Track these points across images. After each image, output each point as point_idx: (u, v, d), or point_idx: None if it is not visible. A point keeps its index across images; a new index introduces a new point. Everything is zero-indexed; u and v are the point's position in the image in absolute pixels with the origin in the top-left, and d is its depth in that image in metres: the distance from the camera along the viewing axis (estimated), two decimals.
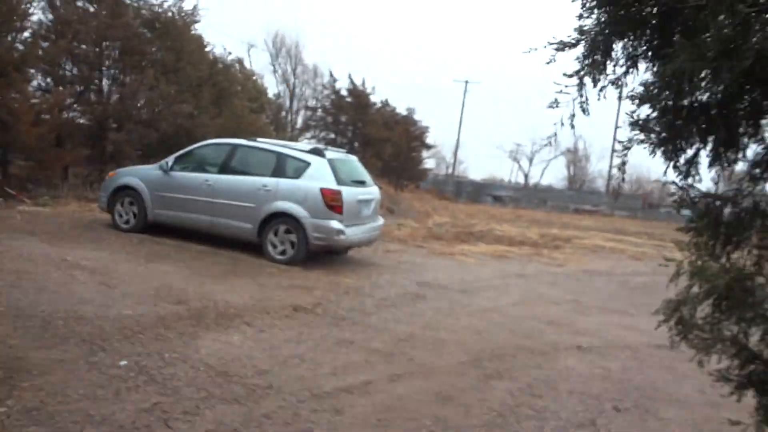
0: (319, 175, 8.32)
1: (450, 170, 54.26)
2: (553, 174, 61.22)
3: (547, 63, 3.15)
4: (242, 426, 3.41)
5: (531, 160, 59.18)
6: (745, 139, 2.52)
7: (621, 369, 5.23)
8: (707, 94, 2.36)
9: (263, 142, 9.28)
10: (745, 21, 2.13)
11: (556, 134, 3.22)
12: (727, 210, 2.59)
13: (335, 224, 8.11)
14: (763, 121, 2.53)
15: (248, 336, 4.97)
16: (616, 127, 43.40)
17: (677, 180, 2.80)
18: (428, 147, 32.76)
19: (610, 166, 48.65)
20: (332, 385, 4.15)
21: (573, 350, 5.68)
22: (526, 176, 59.66)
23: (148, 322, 4.94)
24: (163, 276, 6.54)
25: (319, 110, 30.52)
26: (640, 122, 2.65)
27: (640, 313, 7.60)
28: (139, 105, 14.33)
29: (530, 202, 39.87)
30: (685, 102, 2.48)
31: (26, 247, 7.07)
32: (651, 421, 4.18)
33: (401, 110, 30.19)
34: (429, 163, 39.74)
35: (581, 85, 3.06)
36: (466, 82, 49.06)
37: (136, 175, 9.33)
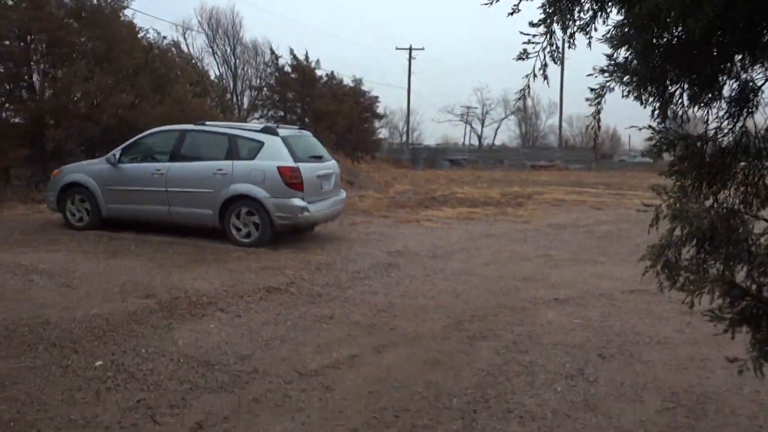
0: (274, 154, 8.11)
1: (404, 138, 54.22)
2: (506, 134, 61.88)
3: (510, 14, 3.04)
4: (232, 413, 3.31)
5: (483, 122, 59.72)
6: (722, 77, 2.49)
7: (600, 317, 5.31)
8: (684, 32, 2.31)
9: (213, 125, 9.01)
10: None
11: (528, 87, 3.14)
12: (708, 150, 2.58)
13: (297, 202, 7.96)
14: (738, 57, 2.51)
15: (224, 322, 4.83)
16: (562, 81, 43.98)
17: (654, 123, 2.77)
18: (379, 117, 32.52)
19: (560, 121, 49.45)
20: (318, 363, 4.08)
21: (551, 303, 5.73)
22: (479, 138, 60.19)
23: (118, 319, 4.75)
24: (126, 271, 6.31)
25: (264, 89, 29.87)
26: (617, 65, 2.59)
27: (610, 261, 7.74)
28: (75, 98, 13.68)
29: (487, 163, 40.26)
30: (662, 41, 2.44)
31: None
32: (636, 364, 4.24)
33: (348, 82, 29.82)
34: (382, 133, 39.63)
35: (550, 33, 2.98)
36: (410, 48, 48.65)
37: (83, 171, 8.96)
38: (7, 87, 13.16)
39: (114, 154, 8.74)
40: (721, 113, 2.62)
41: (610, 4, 2.88)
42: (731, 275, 2.96)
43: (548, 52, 2.88)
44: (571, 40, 2.97)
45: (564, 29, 2.90)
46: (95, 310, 4.94)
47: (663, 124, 2.81)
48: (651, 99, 2.58)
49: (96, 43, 13.87)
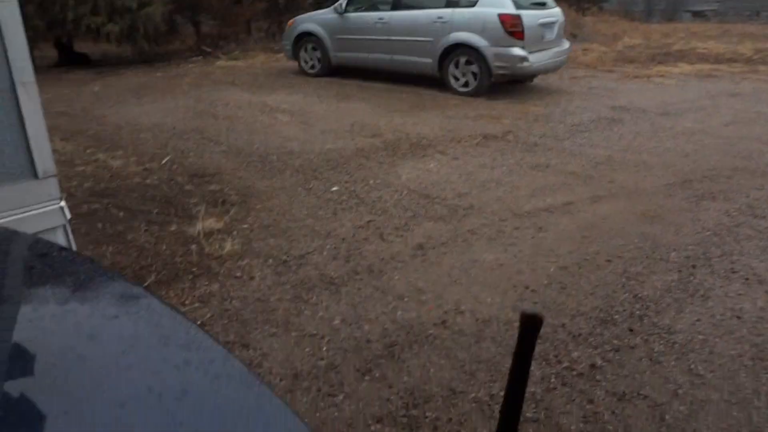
0: (494, 1, 7.79)
1: None
2: None
3: None
4: (450, 240, 3.60)
5: None
6: None
7: None
8: None
9: None
10: None
11: None
12: None
13: (517, 51, 7.68)
14: None
15: (443, 163, 5.08)
16: None
17: None
18: None
19: None
20: (532, 206, 4.17)
21: None
22: None
23: (349, 154, 5.26)
24: (354, 113, 6.82)
25: None
26: None
27: None
28: None
29: (740, 15, 34.18)
30: None
31: (232, 96, 7.73)
32: None
33: None
34: None
35: None
36: None
37: (314, 21, 9.45)
38: None
39: (340, 4, 9.07)
40: None
41: None
42: None
43: None
44: None
45: None
46: (329, 145, 5.50)
47: None
48: None
49: None
